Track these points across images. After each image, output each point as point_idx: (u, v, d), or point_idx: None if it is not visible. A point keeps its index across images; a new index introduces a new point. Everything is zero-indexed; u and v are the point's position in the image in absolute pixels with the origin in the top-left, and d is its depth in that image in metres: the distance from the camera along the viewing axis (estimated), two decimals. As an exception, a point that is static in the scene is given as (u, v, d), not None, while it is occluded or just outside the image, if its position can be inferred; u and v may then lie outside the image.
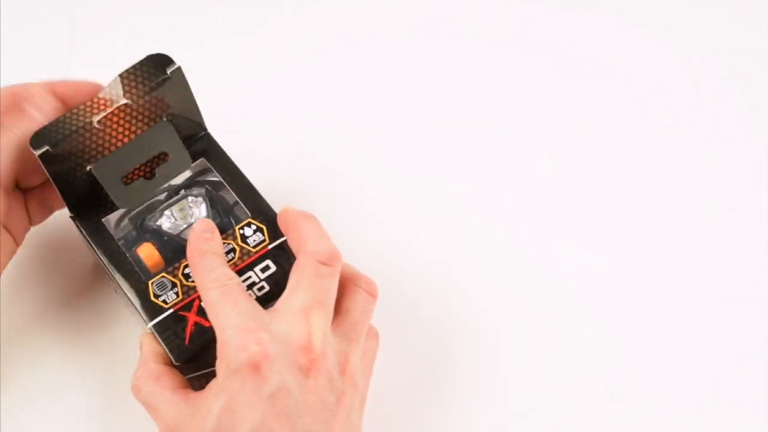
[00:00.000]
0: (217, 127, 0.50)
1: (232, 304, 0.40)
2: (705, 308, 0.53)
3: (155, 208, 0.47)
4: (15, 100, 0.45)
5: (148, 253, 0.46)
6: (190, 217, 0.47)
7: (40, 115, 0.45)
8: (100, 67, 0.50)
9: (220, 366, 0.39)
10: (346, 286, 0.43)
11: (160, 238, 0.47)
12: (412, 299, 0.52)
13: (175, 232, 0.46)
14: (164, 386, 0.41)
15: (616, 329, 0.52)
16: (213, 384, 0.39)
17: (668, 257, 0.55)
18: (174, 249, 0.46)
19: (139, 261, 0.46)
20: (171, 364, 0.43)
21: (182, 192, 0.48)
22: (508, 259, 0.55)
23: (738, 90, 0.62)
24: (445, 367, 0.50)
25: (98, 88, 0.47)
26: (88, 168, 0.45)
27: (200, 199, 0.47)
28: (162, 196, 0.48)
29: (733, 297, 0.53)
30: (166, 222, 0.47)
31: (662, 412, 0.49)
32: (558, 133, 0.60)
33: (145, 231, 0.47)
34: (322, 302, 0.41)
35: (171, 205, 0.47)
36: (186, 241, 0.45)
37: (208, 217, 0.47)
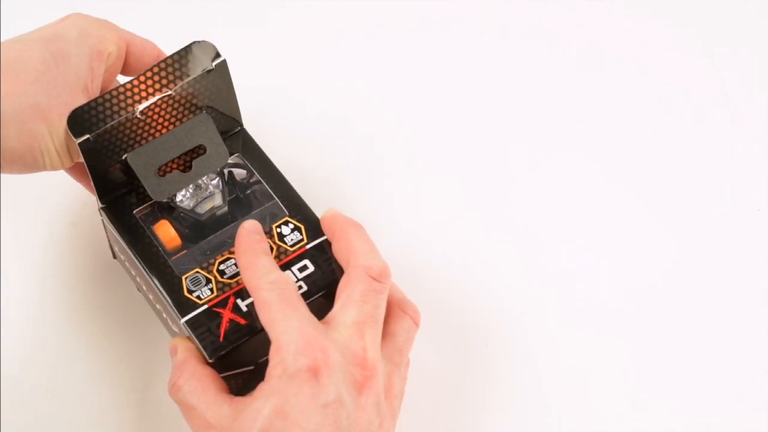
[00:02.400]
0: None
1: (292, 308, 0.40)
2: (730, 313, 0.52)
3: None
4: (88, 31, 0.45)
5: (164, 230, 0.45)
6: (204, 191, 0.46)
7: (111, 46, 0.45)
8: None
9: (273, 369, 0.38)
10: (392, 309, 0.44)
11: (174, 215, 0.46)
12: (427, 302, 0.50)
13: (190, 208, 0.46)
14: (207, 386, 0.40)
15: (638, 334, 0.51)
16: (263, 386, 0.38)
17: (692, 260, 0.54)
18: (190, 225, 0.46)
19: (157, 240, 0.45)
20: (207, 363, 0.42)
21: None
22: (524, 258, 0.54)
23: (764, 86, 0.61)
24: (458, 374, 0.50)
25: (160, 54, 0.47)
26: (123, 157, 0.45)
27: (213, 174, 0.46)
28: None
29: (759, 301, 0.52)
30: (180, 197, 0.46)
31: (686, 419, 0.48)
32: (578, 128, 0.59)
33: (161, 209, 0.47)
34: (375, 319, 0.41)
35: None
36: (201, 216, 0.46)
37: (222, 190, 0.46)
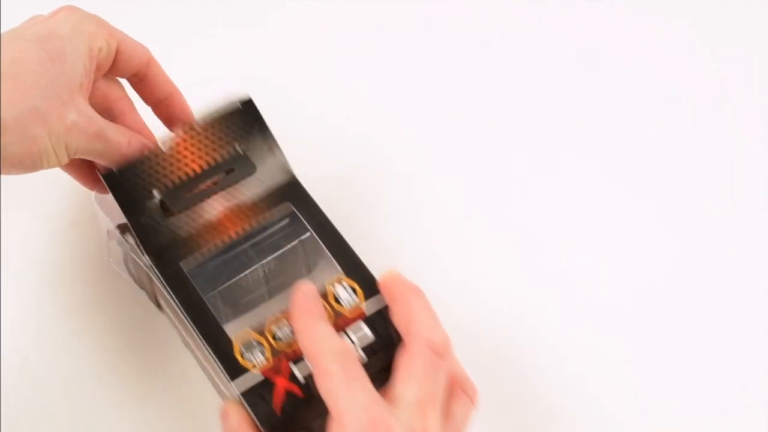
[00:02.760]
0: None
1: (356, 381, 0.38)
2: (731, 312, 0.52)
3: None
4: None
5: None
6: None
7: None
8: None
9: None
10: (453, 387, 0.41)
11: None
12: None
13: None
14: None
15: (639, 334, 0.51)
16: None
17: (694, 260, 0.54)
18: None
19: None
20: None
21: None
22: (525, 258, 0.54)
23: (765, 85, 0.61)
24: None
25: (150, 59, 0.47)
26: (157, 198, 0.44)
27: None
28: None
29: (761, 301, 0.52)
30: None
31: (687, 419, 0.48)
32: (579, 128, 0.59)
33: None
34: (437, 397, 0.39)
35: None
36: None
37: None
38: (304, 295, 0.41)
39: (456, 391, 0.41)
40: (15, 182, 0.53)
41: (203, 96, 0.52)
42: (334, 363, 0.38)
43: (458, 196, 0.56)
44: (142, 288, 0.49)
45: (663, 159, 0.58)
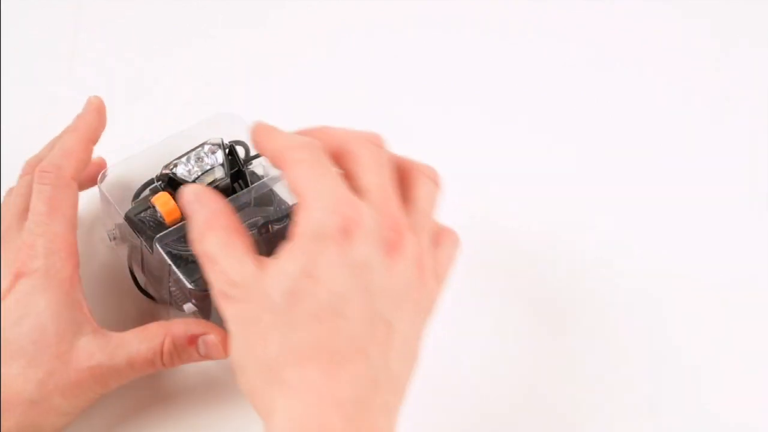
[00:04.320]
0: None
1: (324, 167, 0.38)
2: (753, 317, 0.51)
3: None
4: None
5: (163, 201, 0.44)
6: (205, 164, 0.46)
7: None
8: (105, 57, 0.49)
9: (301, 227, 0.36)
10: (407, 173, 0.41)
11: (175, 187, 0.45)
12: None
13: (190, 179, 0.45)
14: (235, 241, 0.38)
15: (659, 337, 0.50)
16: (290, 245, 0.37)
17: (712, 260, 0.53)
18: None
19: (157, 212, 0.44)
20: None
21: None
22: (534, 262, 0.53)
23: None
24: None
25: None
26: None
27: (216, 146, 0.46)
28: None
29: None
30: (181, 169, 0.45)
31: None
32: (590, 124, 0.59)
33: (163, 183, 0.46)
34: (390, 184, 0.39)
35: (188, 153, 0.46)
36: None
37: (223, 164, 0.45)
38: (261, 123, 0.41)
39: (411, 175, 0.41)
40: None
41: (203, 96, 0.53)
42: (305, 152, 0.38)
43: (459, 195, 0.56)
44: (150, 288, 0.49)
45: (677, 158, 0.57)
